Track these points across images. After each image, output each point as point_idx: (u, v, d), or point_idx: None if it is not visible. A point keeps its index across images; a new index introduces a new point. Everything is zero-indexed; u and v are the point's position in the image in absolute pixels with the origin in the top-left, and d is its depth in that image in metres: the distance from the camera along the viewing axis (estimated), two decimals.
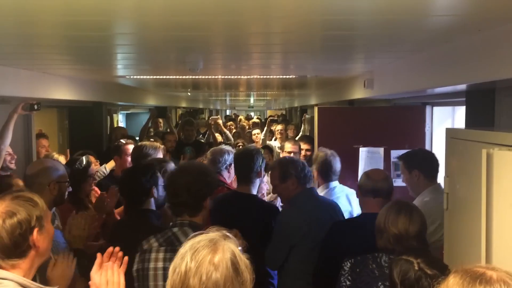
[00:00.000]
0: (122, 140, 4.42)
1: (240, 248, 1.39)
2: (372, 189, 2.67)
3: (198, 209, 2.24)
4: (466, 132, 2.02)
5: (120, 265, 1.73)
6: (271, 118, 7.95)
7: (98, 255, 1.74)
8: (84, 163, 3.36)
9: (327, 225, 2.78)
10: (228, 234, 1.41)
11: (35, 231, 1.63)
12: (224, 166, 3.66)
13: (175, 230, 2.21)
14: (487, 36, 2.13)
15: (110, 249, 1.75)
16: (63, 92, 4.56)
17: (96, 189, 3.54)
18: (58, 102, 5.39)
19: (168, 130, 7.13)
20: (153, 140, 4.97)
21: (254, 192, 3.20)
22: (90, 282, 1.70)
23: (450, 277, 1.13)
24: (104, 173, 4.44)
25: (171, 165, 3.27)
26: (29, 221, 1.61)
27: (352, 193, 3.55)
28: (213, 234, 1.40)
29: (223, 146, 3.88)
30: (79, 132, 6.15)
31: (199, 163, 2.99)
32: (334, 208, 3.10)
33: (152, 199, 2.68)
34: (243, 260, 1.36)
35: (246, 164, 3.18)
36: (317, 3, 1.77)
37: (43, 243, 1.68)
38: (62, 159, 4.23)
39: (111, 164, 4.48)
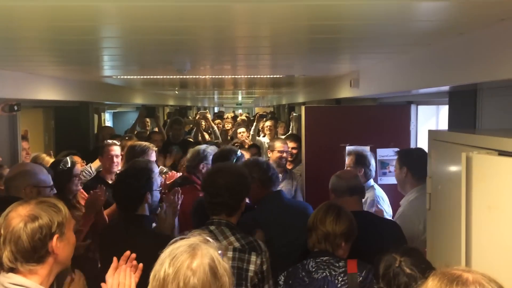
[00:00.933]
0: (108, 141, 4.42)
1: (220, 252, 1.42)
2: (347, 188, 2.74)
3: (236, 209, 2.30)
4: (448, 134, 2.08)
5: (135, 272, 1.77)
6: (260, 114, 7.86)
7: (114, 259, 1.77)
8: (69, 163, 3.35)
9: (292, 229, 2.71)
10: (208, 238, 1.44)
11: (55, 237, 1.62)
12: (201, 166, 3.67)
13: (212, 228, 2.24)
14: (469, 40, 2.19)
15: (127, 253, 1.78)
16: (49, 93, 4.53)
17: (82, 191, 3.52)
18: (44, 102, 5.35)
19: (156, 129, 7.11)
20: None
21: None
22: (102, 284, 1.74)
23: (429, 279, 1.18)
24: (90, 172, 4.41)
25: (155, 167, 3.26)
26: (50, 226, 1.60)
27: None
28: (193, 239, 1.42)
29: (201, 146, 3.89)
30: (66, 132, 6.11)
31: (237, 165, 3.00)
32: (303, 211, 2.93)
33: (146, 205, 2.63)
34: (222, 264, 1.39)
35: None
36: (304, 10, 1.80)
37: (63, 251, 1.66)
38: (49, 160, 4.21)
39: (96, 164, 4.45)
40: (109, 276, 1.74)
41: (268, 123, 7.50)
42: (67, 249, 1.69)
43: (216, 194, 2.28)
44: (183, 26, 2.12)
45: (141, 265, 1.78)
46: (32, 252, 1.58)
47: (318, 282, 2.11)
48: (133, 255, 1.80)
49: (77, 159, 4.41)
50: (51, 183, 2.77)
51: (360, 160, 3.71)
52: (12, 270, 1.59)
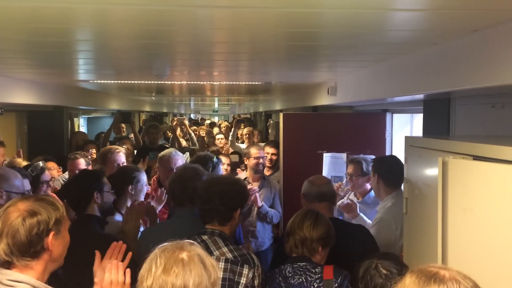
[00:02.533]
0: (78, 152, 4.38)
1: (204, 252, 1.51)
2: (317, 194, 2.73)
3: (228, 219, 2.25)
4: (424, 140, 2.13)
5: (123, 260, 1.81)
6: (237, 119, 7.80)
7: (96, 252, 1.82)
8: (39, 168, 3.29)
9: None
10: (192, 241, 1.51)
11: (51, 234, 1.65)
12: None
13: (205, 238, 2.19)
14: (442, 50, 2.26)
15: (114, 244, 1.83)
16: (22, 96, 4.43)
17: (54, 195, 3.46)
18: (16, 106, 5.22)
19: (132, 135, 7.02)
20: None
21: None
22: (95, 280, 1.77)
23: (407, 276, 1.21)
24: (63, 179, 4.34)
25: (143, 175, 3.24)
26: (48, 222, 1.64)
27: None
28: (177, 242, 1.49)
29: (173, 152, 3.89)
30: (39, 137, 5.97)
31: (234, 177, 3.02)
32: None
33: (95, 205, 2.65)
34: (210, 259, 1.49)
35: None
36: (283, 17, 1.82)
37: (57, 249, 1.69)
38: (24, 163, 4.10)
39: None
40: (96, 267, 1.79)
41: (245, 130, 7.51)
42: (62, 247, 1.72)
43: (207, 200, 2.25)
44: (161, 30, 2.11)
45: (130, 254, 1.84)
46: (28, 246, 1.60)
47: None
48: (120, 242, 1.87)
49: (52, 165, 4.33)
50: (28, 188, 2.71)
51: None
52: (7, 264, 1.61)
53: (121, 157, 4.04)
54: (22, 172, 2.91)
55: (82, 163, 4.13)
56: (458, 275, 1.17)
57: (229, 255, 2.14)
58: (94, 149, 4.95)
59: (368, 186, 3.56)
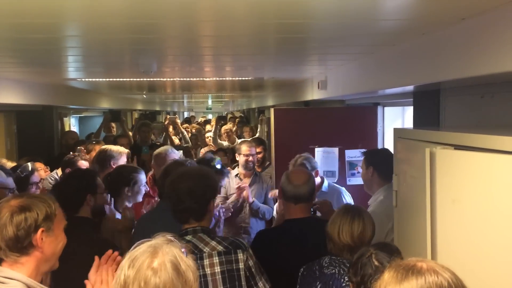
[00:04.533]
0: (76, 154, 4.33)
1: (183, 250, 1.39)
2: (293, 195, 2.58)
3: (203, 213, 2.18)
4: (412, 131, 2.12)
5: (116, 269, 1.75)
6: (218, 115, 7.70)
7: (96, 257, 1.80)
8: (29, 169, 3.25)
9: None
10: (171, 238, 1.41)
11: (40, 230, 1.65)
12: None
13: (189, 238, 2.13)
14: (431, 40, 2.24)
15: (109, 252, 1.81)
16: (10, 96, 4.38)
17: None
18: (5, 106, 5.16)
19: (123, 134, 6.97)
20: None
21: None
22: (86, 281, 1.75)
23: (385, 272, 1.19)
24: (56, 179, 4.29)
25: (143, 174, 3.20)
26: (36, 219, 1.64)
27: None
28: (155, 240, 1.39)
29: (165, 148, 3.87)
30: (29, 137, 5.91)
31: (199, 167, 2.87)
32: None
33: (88, 208, 2.57)
34: (185, 261, 1.36)
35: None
36: (270, 7, 1.80)
37: (49, 247, 1.68)
38: (11, 165, 4.05)
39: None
40: (92, 274, 1.77)
41: (225, 126, 7.43)
42: (54, 246, 1.71)
43: (178, 201, 2.16)
44: (148, 23, 2.08)
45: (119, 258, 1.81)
46: (15, 241, 1.61)
47: (326, 277, 2.08)
48: (116, 253, 1.83)
49: (39, 165, 4.28)
50: (12, 186, 2.67)
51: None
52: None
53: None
54: (6, 170, 2.87)
55: (83, 165, 4.09)
56: (436, 265, 1.16)
57: (220, 247, 2.11)
58: (83, 147, 4.90)
59: (319, 179, 3.76)
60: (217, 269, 2.07)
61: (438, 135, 1.77)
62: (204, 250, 2.10)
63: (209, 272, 2.07)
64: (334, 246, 2.16)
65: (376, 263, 1.73)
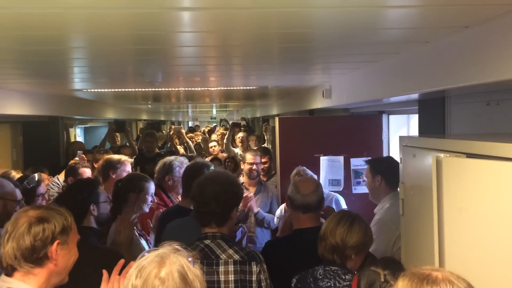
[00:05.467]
0: (78, 163, 4.36)
1: (190, 259, 1.39)
2: (301, 205, 2.56)
3: (225, 219, 2.22)
4: (418, 139, 2.11)
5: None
6: (233, 122, 7.67)
7: (104, 271, 1.78)
8: (35, 181, 3.26)
9: None
10: (178, 247, 1.41)
11: (56, 242, 1.66)
12: (166, 179, 3.65)
13: (207, 242, 2.17)
14: (435, 48, 2.24)
15: (122, 261, 1.79)
16: (17, 107, 4.41)
17: None
18: (11, 117, 5.20)
19: (127, 144, 7.00)
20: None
21: None
22: None
23: (399, 280, 1.18)
24: (58, 184, 4.34)
25: (152, 184, 3.21)
26: (53, 231, 1.66)
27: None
28: (162, 249, 1.39)
29: (168, 158, 3.86)
30: (35, 148, 5.94)
31: (226, 172, 2.92)
32: None
33: (92, 217, 2.59)
34: (192, 270, 1.36)
35: (192, 177, 3.02)
36: (274, 17, 1.81)
37: (63, 260, 1.69)
38: (17, 176, 4.08)
39: (63, 175, 4.43)
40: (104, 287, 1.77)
41: (240, 134, 7.46)
42: (67, 259, 1.72)
43: (203, 203, 2.22)
44: (153, 34, 2.10)
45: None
46: (32, 251, 1.62)
47: None
48: (131, 263, 1.78)
49: (44, 176, 4.31)
50: (20, 197, 2.69)
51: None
52: (11, 268, 1.63)
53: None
54: (13, 181, 2.88)
55: (86, 173, 4.12)
56: (451, 275, 1.15)
57: (236, 256, 2.14)
58: (83, 153, 4.95)
59: None
60: (231, 277, 2.12)
61: (444, 143, 1.77)
62: (221, 256, 2.14)
63: (223, 279, 2.12)
64: (323, 247, 2.15)
65: (393, 282, 1.66)
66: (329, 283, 2.07)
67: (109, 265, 1.86)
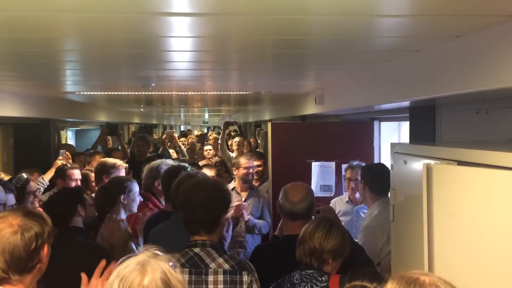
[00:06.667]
0: (67, 164, 4.37)
1: (171, 263, 1.37)
2: (290, 212, 2.55)
3: (215, 227, 2.18)
4: (409, 146, 2.13)
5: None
6: (226, 121, 7.56)
7: (82, 275, 1.77)
8: (24, 179, 3.27)
9: None
10: (157, 252, 1.38)
11: (45, 246, 1.65)
12: (156, 183, 3.65)
13: (197, 251, 2.12)
14: (426, 56, 2.28)
15: (103, 263, 1.79)
16: (7, 109, 4.38)
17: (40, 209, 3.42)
18: (2, 119, 5.16)
19: (119, 147, 6.97)
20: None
21: None
22: None
23: (388, 283, 1.20)
24: (43, 183, 4.33)
25: (135, 185, 3.21)
26: (43, 235, 1.63)
27: None
28: (141, 255, 1.37)
29: (155, 162, 3.85)
30: (25, 150, 5.90)
31: (214, 179, 2.88)
32: None
33: (80, 218, 2.70)
34: (175, 276, 1.34)
35: (169, 181, 3.03)
36: (270, 24, 1.82)
37: (47, 258, 1.69)
38: (6, 178, 4.05)
39: (49, 175, 4.47)
40: (84, 286, 1.76)
41: (236, 139, 7.44)
42: (47, 258, 1.71)
43: (191, 211, 2.16)
44: (145, 39, 2.10)
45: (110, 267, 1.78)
46: (28, 261, 1.59)
47: None
48: (105, 262, 1.82)
49: (35, 177, 4.29)
50: (12, 202, 2.68)
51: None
52: (2, 280, 1.59)
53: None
54: (7, 186, 2.86)
55: (74, 174, 4.13)
56: (438, 280, 1.16)
57: (226, 266, 2.09)
58: (68, 152, 4.97)
59: None
60: (220, 287, 2.06)
61: (435, 150, 1.79)
62: (210, 266, 2.08)
63: None
64: (302, 250, 2.16)
65: None
66: (306, 287, 2.08)
67: (93, 259, 1.90)
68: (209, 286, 2.05)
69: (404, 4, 1.60)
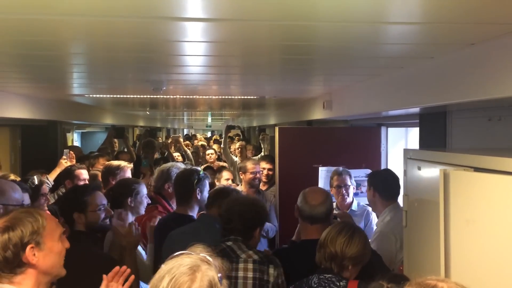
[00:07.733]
0: (74, 164, 4.39)
1: (219, 275, 1.42)
2: (309, 216, 2.56)
3: (249, 237, 2.41)
4: (423, 152, 2.13)
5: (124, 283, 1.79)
6: (228, 125, 7.52)
7: (104, 276, 1.81)
8: (36, 182, 3.27)
9: None
10: (209, 258, 1.44)
11: (29, 247, 1.60)
12: (166, 186, 3.67)
13: (229, 244, 2.34)
14: (439, 63, 2.28)
15: (116, 268, 1.82)
16: (16, 111, 4.40)
17: (48, 213, 3.43)
18: (10, 120, 5.18)
19: (125, 149, 6.99)
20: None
21: (191, 213, 3.16)
22: None
23: None
24: (48, 184, 4.34)
25: (143, 187, 3.21)
26: (21, 237, 1.59)
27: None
28: (194, 257, 1.42)
29: (166, 165, 3.87)
30: (33, 152, 5.92)
31: (254, 197, 3.22)
32: None
33: (80, 224, 2.62)
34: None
35: (182, 185, 3.18)
36: (278, 30, 1.82)
37: (45, 261, 1.63)
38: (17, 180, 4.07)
39: (53, 175, 4.50)
40: None
41: (238, 144, 7.45)
42: (51, 258, 1.66)
43: (228, 220, 2.40)
44: (154, 43, 2.11)
45: (132, 277, 1.82)
46: (4, 262, 1.58)
47: None
48: (124, 267, 1.85)
49: (43, 176, 4.31)
50: (23, 201, 2.67)
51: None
52: None
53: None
54: (23, 186, 2.86)
55: (82, 174, 4.15)
56: (456, 286, 1.16)
57: (256, 257, 2.29)
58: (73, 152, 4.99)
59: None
60: (250, 274, 2.24)
61: (451, 157, 1.79)
62: (241, 256, 2.29)
63: (241, 275, 2.24)
64: (322, 254, 2.17)
65: None
66: None
67: (102, 270, 1.89)
68: (239, 273, 2.24)
69: (416, 12, 1.58)
